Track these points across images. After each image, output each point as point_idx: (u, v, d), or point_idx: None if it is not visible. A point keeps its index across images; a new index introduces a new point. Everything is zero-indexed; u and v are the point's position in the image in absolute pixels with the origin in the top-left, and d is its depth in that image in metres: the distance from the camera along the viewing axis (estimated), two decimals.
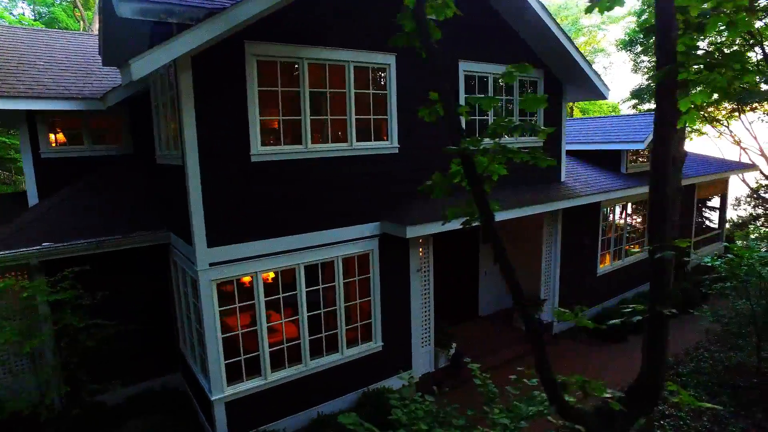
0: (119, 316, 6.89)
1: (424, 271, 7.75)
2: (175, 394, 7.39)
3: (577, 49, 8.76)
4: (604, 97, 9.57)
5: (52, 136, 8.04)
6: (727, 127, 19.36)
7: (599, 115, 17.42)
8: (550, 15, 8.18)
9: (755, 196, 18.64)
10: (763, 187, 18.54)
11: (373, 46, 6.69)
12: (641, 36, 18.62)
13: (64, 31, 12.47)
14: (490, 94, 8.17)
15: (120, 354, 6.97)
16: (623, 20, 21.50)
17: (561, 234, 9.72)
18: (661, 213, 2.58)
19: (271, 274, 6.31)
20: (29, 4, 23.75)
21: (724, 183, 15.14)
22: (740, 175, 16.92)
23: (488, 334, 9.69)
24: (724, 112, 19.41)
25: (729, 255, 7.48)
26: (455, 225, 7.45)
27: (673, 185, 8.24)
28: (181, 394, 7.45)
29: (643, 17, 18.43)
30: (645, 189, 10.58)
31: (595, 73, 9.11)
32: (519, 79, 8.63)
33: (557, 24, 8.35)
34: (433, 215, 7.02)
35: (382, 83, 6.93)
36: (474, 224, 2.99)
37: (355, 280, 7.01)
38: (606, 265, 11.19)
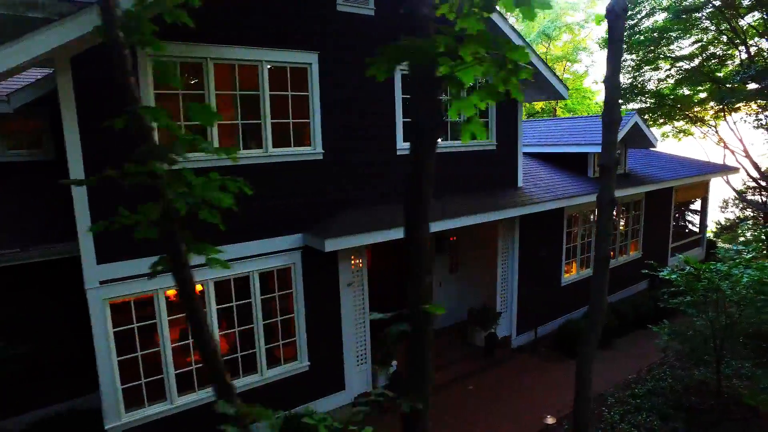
0: (28, 335, 6.43)
1: (358, 285, 7.24)
2: (88, 416, 6.92)
3: (529, 46, 8.21)
4: (562, 98, 9.02)
5: None
6: (715, 127, 18.69)
7: (571, 116, 16.77)
8: (497, 12, 7.63)
9: (742, 198, 17.97)
10: (750, 189, 17.88)
11: (292, 44, 6.18)
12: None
13: None
14: None
15: (29, 375, 6.51)
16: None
17: (519, 242, 9.19)
18: (417, 261, 1.87)
19: (176, 291, 5.82)
20: None
21: (705, 186, 14.53)
22: (725, 177, 16.28)
23: (441, 349, 9.17)
24: (711, 112, 18.75)
25: (695, 266, 6.93)
26: (393, 235, 7.02)
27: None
28: (96, 415, 6.98)
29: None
30: (617, 194, 9.97)
31: (552, 72, 8.56)
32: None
33: (505, 19, 7.81)
34: (367, 225, 6.53)
35: (304, 84, 6.42)
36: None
37: (275, 296, 6.52)
38: (572, 274, 10.64)
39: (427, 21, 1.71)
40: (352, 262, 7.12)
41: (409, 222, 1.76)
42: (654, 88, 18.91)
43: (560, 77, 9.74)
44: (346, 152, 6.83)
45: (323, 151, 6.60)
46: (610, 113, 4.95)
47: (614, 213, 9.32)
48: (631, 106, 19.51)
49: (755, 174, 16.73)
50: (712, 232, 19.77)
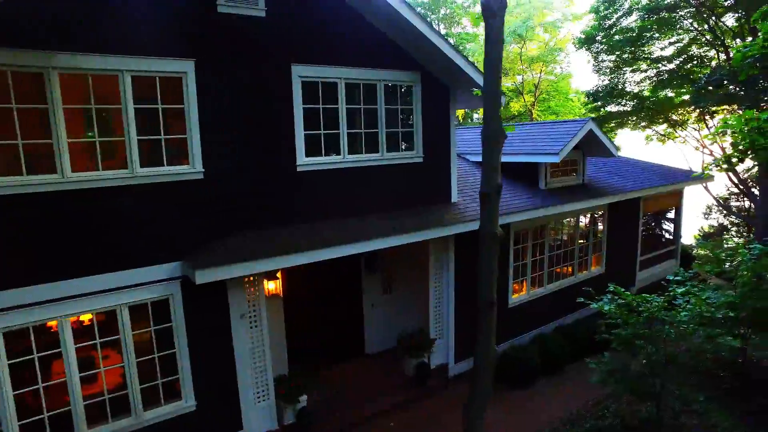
0: None
1: (255, 315, 6.56)
2: None
3: (456, 50, 7.50)
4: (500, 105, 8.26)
5: None
6: (699, 131, 17.84)
7: (526, 122, 15.83)
8: (413, 11, 6.92)
9: (722, 205, 17.09)
10: (734, 195, 17.00)
11: (160, 51, 5.52)
12: (600, 34, 17.21)
13: None
14: (342, 103, 6.95)
15: None
16: (586, 16, 20.04)
17: (455, 263, 8.46)
18: None
19: (19, 328, 5.17)
20: None
21: (678, 195, 13.69)
22: (704, 183, 15.42)
23: (371, 377, 8.47)
24: (694, 116, 17.89)
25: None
26: (291, 261, 6.32)
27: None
28: None
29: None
30: (565, 207, 9.23)
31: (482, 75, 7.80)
32: (389, 84, 7.41)
33: (425, 21, 7.10)
34: (257, 251, 5.87)
35: (179, 95, 5.74)
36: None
37: (151, 330, 5.85)
38: (521, 294, 9.89)
39: None
40: (247, 290, 6.44)
41: None
42: (634, 90, 18.10)
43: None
44: (234, 170, 6.16)
45: (204, 170, 5.92)
46: (491, 129, 4.25)
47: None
48: (610, 108, 18.73)
49: (736, 179, 15.87)
50: (696, 237, 18.89)
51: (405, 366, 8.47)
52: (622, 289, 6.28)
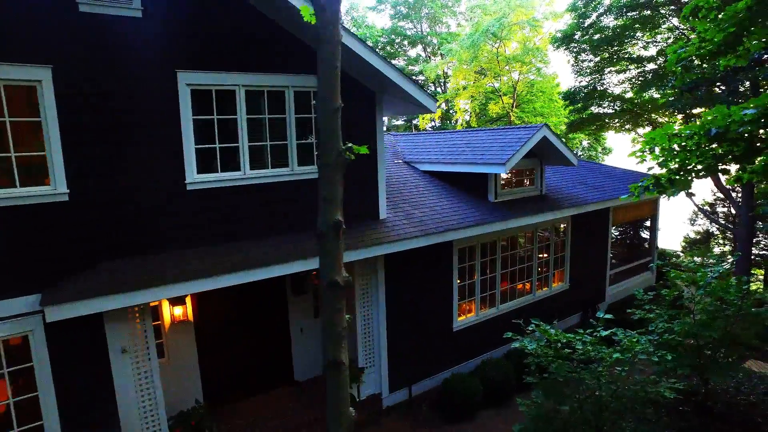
0: None
1: (140, 349, 5.88)
2: None
3: (375, 53, 6.77)
4: (429, 111, 7.56)
5: None
6: None
7: (475, 128, 15.05)
8: None
9: (704, 212, 16.19)
10: (719, 201, 16.11)
11: (11, 57, 4.85)
12: (578, 32, 16.39)
13: None
14: (241, 112, 6.25)
15: None
16: (567, 15, 19.19)
17: (386, 285, 7.75)
18: None
19: None
20: None
21: (653, 204, 12.87)
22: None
23: (295, 407, 7.75)
24: (680, 117, 17.01)
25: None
26: (168, 293, 5.58)
27: None
28: None
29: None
30: (514, 222, 8.43)
31: (410, 80, 7.10)
32: (301, 90, 6.70)
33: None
34: (130, 281, 5.20)
35: (33, 107, 5.08)
36: None
37: (4, 372, 5.19)
38: (469, 316, 9.15)
39: None
40: (131, 322, 5.77)
41: None
42: (616, 91, 17.27)
43: (423, 87, 8.00)
44: (108, 190, 5.48)
45: (69, 191, 5.25)
46: (328, 150, 3.47)
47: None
48: (593, 110, 17.91)
49: (717, 186, 15.01)
50: (682, 244, 18.04)
51: None
52: (547, 326, 5.50)
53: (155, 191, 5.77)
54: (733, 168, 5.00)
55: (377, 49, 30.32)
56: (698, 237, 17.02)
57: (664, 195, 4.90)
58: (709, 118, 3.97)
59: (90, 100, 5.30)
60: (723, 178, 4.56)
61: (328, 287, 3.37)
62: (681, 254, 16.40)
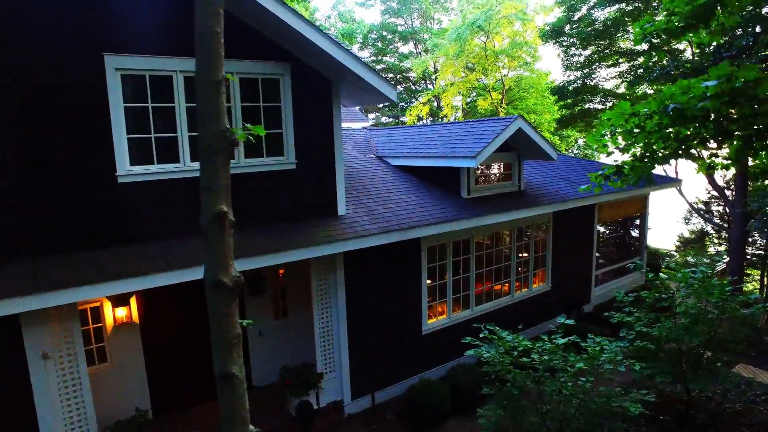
0: None
1: (65, 354, 5.44)
2: None
3: (330, 38, 6.32)
4: (390, 100, 7.10)
5: None
6: None
7: (448, 122, 14.45)
8: None
9: (697, 211, 15.65)
10: (714, 199, 15.56)
11: None
12: (567, 26, 15.91)
13: None
14: (180, 100, 5.82)
15: None
16: (556, 9, 18.71)
17: (346, 285, 7.29)
18: None
19: None
20: None
21: (642, 201, 12.35)
22: (678, 187, 14.05)
23: (254, 414, 7.30)
24: None
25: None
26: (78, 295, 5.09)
27: None
28: None
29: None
30: (488, 219, 7.93)
31: (367, 67, 6.64)
32: (247, 77, 6.27)
33: (285, 6, 5.93)
34: (43, 283, 4.77)
35: None
36: None
37: None
38: (441, 318, 8.67)
39: None
40: (53, 325, 5.33)
41: None
42: (608, 86, 16.78)
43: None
44: (20, 187, 5.04)
45: None
46: (208, 132, 2.96)
47: (522, 236, 7.36)
48: (585, 105, 17.41)
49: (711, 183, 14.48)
50: (676, 244, 17.48)
51: (289, 405, 7.31)
52: (505, 333, 5.02)
53: (79, 185, 5.33)
54: (705, 154, 4.51)
55: (366, 45, 29.92)
56: (693, 236, 16.48)
57: (628, 185, 4.42)
58: (668, 92, 3.50)
59: (4, 81, 4.88)
60: (694, 166, 4.10)
61: (213, 288, 2.88)
62: (675, 254, 15.88)
